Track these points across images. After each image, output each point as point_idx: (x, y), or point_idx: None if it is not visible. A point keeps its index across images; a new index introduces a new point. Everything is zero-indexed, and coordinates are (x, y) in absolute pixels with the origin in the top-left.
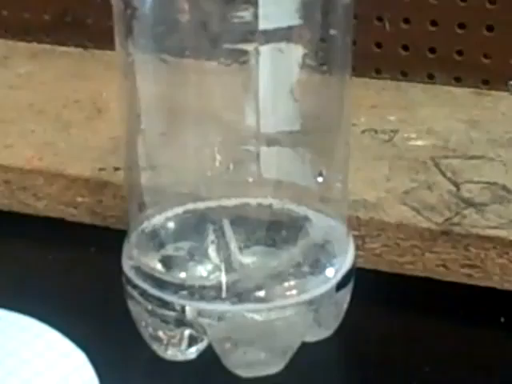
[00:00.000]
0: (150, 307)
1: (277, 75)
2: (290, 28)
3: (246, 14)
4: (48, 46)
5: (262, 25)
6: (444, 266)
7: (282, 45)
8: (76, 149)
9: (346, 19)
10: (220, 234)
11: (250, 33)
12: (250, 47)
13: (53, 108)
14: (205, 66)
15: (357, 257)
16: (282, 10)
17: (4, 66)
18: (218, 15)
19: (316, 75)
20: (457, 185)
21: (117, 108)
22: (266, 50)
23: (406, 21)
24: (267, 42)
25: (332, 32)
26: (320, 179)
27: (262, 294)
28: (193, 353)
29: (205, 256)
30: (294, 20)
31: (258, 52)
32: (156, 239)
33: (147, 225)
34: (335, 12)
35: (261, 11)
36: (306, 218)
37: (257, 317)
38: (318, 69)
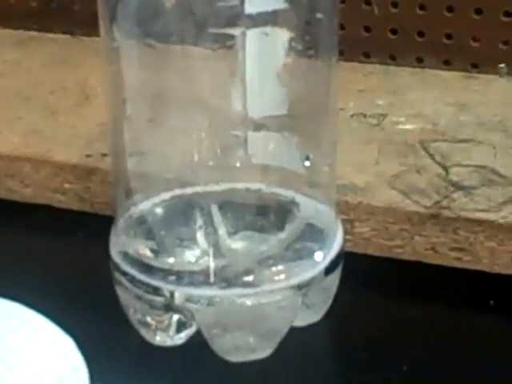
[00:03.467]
0: (138, 293)
1: (263, 59)
2: (275, 12)
3: None
4: (35, 33)
5: (248, 9)
6: (433, 249)
7: (268, 29)
8: (63, 135)
9: (331, 2)
10: (208, 219)
11: (236, 17)
12: (236, 31)
13: (40, 95)
14: (191, 50)
15: (345, 241)
16: None
17: None
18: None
19: (302, 59)
20: (446, 168)
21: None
22: (252, 34)
23: (395, 4)
24: (253, 26)
25: (318, 15)
26: (307, 163)
27: (250, 278)
28: (181, 338)
29: (193, 241)
30: (280, 4)
31: (244, 36)
32: (144, 225)
33: (134, 211)
34: None
35: None
36: (294, 203)
37: (245, 301)
38: (304, 53)
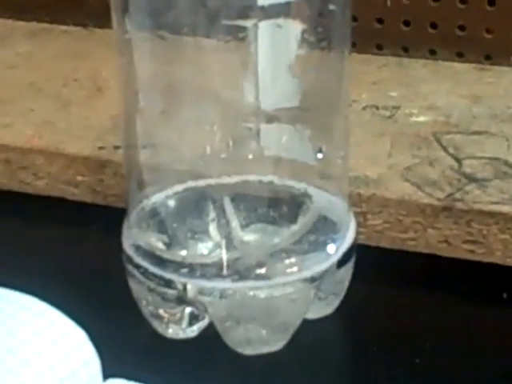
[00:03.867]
0: (150, 285)
1: (276, 51)
2: (288, 3)
3: None
4: (47, 25)
5: (261, 0)
6: (446, 241)
7: (281, 21)
8: (76, 127)
9: None
10: (221, 211)
11: (249, 8)
12: (248, 23)
13: (52, 87)
14: (203, 42)
15: (358, 233)
16: None
17: (3, 45)
18: None
19: (315, 51)
20: (459, 160)
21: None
22: (264, 26)
23: None
24: (266, 17)
25: (331, 7)
26: (320, 155)
27: (263, 271)
28: (194, 331)
29: (205, 234)
30: None
31: (256, 28)
32: (156, 217)
33: (147, 203)
34: None
35: None
36: (307, 195)
37: (258, 294)
38: (317, 44)
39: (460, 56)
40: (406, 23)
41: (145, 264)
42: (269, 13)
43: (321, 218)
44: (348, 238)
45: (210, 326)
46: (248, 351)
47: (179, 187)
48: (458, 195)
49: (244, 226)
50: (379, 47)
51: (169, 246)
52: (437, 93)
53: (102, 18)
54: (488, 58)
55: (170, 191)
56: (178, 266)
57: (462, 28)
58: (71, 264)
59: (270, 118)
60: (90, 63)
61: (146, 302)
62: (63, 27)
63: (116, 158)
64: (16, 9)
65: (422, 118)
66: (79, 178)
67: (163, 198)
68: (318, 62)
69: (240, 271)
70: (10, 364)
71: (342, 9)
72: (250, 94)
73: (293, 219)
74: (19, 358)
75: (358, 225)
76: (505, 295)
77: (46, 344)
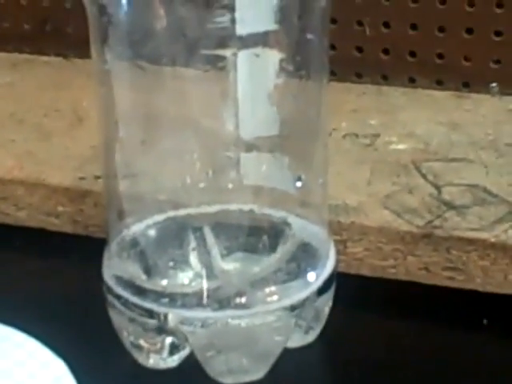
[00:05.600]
0: (131, 315)
1: (255, 80)
2: (266, 33)
3: (222, 20)
4: (28, 56)
5: (239, 30)
6: (426, 269)
7: (259, 50)
8: (57, 158)
9: (322, 23)
10: (201, 240)
11: (227, 38)
12: (227, 53)
13: (33, 117)
14: (182, 72)
15: (338, 261)
16: (258, 15)
17: None
18: (194, 21)
19: (293, 80)
20: (438, 188)
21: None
22: (243, 55)
23: (386, 25)
24: (244, 47)
25: (309, 36)
26: (300, 184)
27: (243, 300)
28: (175, 361)
29: (186, 263)
30: (271, 25)
31: (235, 57)
32: (136, 247)
33: (127, 233)
34: (311, 16)
35: (237, 16)
36: (287, 223)
37: (239, 323)
38: (295, 73)
39: (439, 84)
40: (386, 51)
41: (125, 294)
42: (247, 42)
43: (301, 247)
44: (328, 266)
45: (191, 356)
46: (229, 380)
47: (159, 217)
48: (437, 222)
49: (224, 255)
50: (359, 75)
51: (149, 275)
52: (416, 120)
53: (82, 49)
54: (466, 85)
55: (150, 221)
56: (158, 295)
57: (440, 56)
58: (51, 294)
59: (250, 147)
60: (70, 93)
61: (127, 332)
62: (44, 58)
63: (97, 188)
64: None
65: (401, 146)
66: (60, 208)
67: (143, 227)
68: (296, 91)
69: (220, 300)
70: None
71: (319, 38)
72: (230, 123)
73: (273, 248)
74: None
75: (338, 253)
76: (485, 321)
77: (27, 375)
